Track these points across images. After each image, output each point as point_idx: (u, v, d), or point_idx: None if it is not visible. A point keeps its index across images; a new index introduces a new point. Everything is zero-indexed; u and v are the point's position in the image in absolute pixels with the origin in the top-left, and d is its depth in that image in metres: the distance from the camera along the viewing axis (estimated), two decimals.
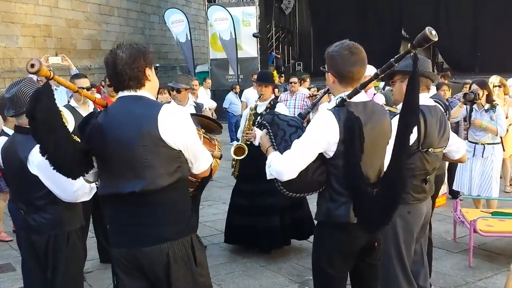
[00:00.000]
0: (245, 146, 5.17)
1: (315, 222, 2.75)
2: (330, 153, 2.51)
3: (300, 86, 9.83)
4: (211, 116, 5.90)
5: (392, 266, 3.17)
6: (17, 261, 4.24)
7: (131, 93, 2.42)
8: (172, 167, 2.40)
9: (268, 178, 2.61)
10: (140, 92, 2.43)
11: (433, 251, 4.54)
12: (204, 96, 9.43)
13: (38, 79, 6.63)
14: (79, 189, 3.04)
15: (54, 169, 2.38)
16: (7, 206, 4.37)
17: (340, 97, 2.54)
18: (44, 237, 3.07)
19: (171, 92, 5.84)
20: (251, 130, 5.20)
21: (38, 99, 2.27)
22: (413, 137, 2.98)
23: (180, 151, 2.41)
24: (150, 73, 2.46)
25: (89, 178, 2.58)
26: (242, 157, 5.16)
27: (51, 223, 3.07)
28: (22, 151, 2.98)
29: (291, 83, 8.34)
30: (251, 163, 5.16)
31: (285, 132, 2.70)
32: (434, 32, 2.17)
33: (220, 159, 3.51)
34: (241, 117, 6.00)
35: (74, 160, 2.35)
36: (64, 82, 2.51)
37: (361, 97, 2.58)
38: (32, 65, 2.23)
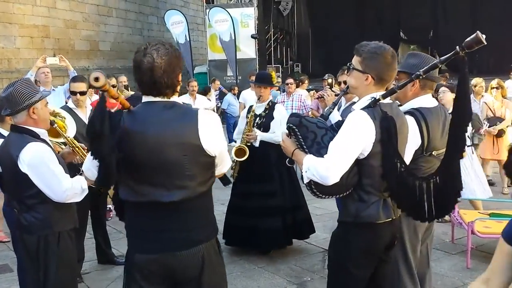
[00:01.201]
0: (246, 147, 5.16)
1: (336, 223, 2.75)
2: (365, 153, 2.51)
3: (298, 87, 9.84)
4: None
5: (397, 267, 3.16)
6: (14, 262, 4.22)
7: (164, 99, 2.34)
8: (209, 174, 2.40)
9: (305, 182, 2.58)
10: (172, 98, 2.37)
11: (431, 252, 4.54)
12: (201, 99, 9.44)
13: (37, 79, 6.65)
14: (68, 190, 3.04)
15: (103, 180, 2.32)
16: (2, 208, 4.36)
17: (373, 98, 2.55)
18: (34, 237, 3.08)
19: None
20: (251, 132, 5.20)
21: (106, 119, 2.21)
22: (417, 144, 3.00)
23: (215, 156, 2.40)
24: (180, 77, 2.40)
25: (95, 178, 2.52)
26: (244, 158, 5.15)
27: (41, 223, 3.07)
28: (14, 150, 3.01)
29: (287, 84, 8.35)
30: (249, 164, 5.17)
31: (315, 134, 2.66)
32: (484, 36, 2.20)
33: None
34: (239, 118, 5.98)
35: (116, 170, 2.29)
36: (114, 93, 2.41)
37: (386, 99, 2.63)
38: (97, 79, 2.17)
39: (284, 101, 8.08)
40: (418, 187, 2.54)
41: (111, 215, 6.73)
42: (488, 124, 7.62)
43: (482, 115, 7.80)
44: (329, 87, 4.86)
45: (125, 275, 2.47)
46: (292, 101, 8.14)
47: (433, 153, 3.15)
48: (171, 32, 18.84)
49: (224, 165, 2.53)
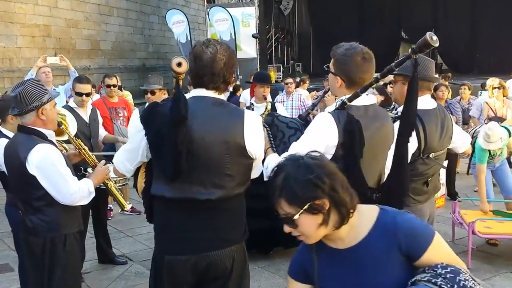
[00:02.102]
0: None
1: None
2: (328, 156, 2.49)
3: (299, 87, 9.82)
4: None
5: None
6: (15, 261, 4.23)
7: (215, 95, 2.34)
8: (247, 175, 2.40)
9: (265, 179, 2.59)
10: (221, 96, 2.37)
11: None
12: None
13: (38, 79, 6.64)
14: (76, 193, 3.01)
15: (175, 170, 2.23)
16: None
17: (341, 100, 2.52)
18: (40, 239, 3.04)
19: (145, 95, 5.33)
20: None
21: (187, 105, 2.20)
22: (413, 147, 2.97)
23: (254, 159, 2.40)
24: None
25: (127, 173, 2.51)
26: None
27: (48, 226, 3.04)
28: (22, 151, 2.96)
29: (287, 84, 8.31)
30: None
31: (284, 134, 2.69)
32: (435, 38, 2.15)
33: None
34: None
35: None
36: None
37: (362, 100, 2.56)
38: (179, 64, 2.18)
39: (283, 101, 8.06)
40: (364, 196, 2.48)
41: (111, 215, 6.73)
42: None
43: (483, 115, 7.78)
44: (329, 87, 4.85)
45: (153, 274, 2.44)
46: (292, 100, 8.12)
47: (431, 155, 3.14)
48: (172, 32, 18.82)
49: (257, 169, 2.52)
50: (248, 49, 18.42)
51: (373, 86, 4.01)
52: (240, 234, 2.45)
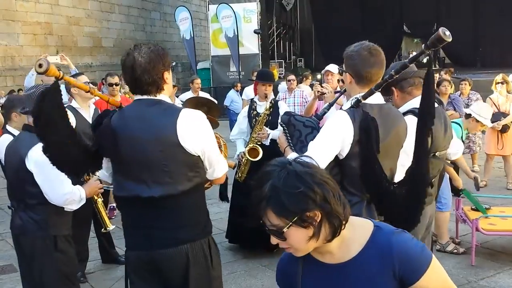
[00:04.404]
0: (259, 147, 5.09)
1: None
2: (343, 154, 2.50)
3: (301, 83, 9.77)
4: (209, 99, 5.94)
5: None
6: None
7: (150, 97, 2.40)
8: (191, 172, 2.40)
9: None
10: (159, 96, 2.41)
11: (435, 250, 4.53)
12: (204, 95, 9.46)
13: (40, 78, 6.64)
14: (69, 194, 3.08)
15: (55, 167, 2.38)
16: None
17: (356, 98, 2.53)
18: (29, 238, 3.11)
19: None
20: (262, 130, 5.15)
21: (44, 98, 2.27)
22: None
23: (199, 156, 2.40)
24: (168, 76, 2.44)
25: (107, 179, 2.62)
26: (258, 158, 5.06)
27: (36, 224, 3.10)
28: (24, 147, 3.05)
29: (289, 80, 8.25)
30: (259, 163, 5.13)
31: (301, 133, 2.69)
32: (448, 33, 2.15)
33: (234, 168, 3.48)
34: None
35: (77, 159, 2.36)
36: (74, 82, 2.51)
37: (377, 99, 2.58)
38: (40, 65, 2.21)
39: (285, 98, 8.01)
40: (387, 190, 2.47)
41: (114, 214, 6.73)
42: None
43: None
44: (319, 83, 4.86)
45: (125, 270, 2.56)
46: (294, 97, 8.07)
47: (436, 153, 3.13)
48: (179, 29, 18.81)
49: (216, 169, 2.50)
50: (250, 45, 18.39)
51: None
52: (195, 232, 2.43)
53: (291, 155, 2.60)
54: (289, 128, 2.73)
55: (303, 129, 2.69)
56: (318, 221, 1.51)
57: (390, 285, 1.56)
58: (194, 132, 2.35)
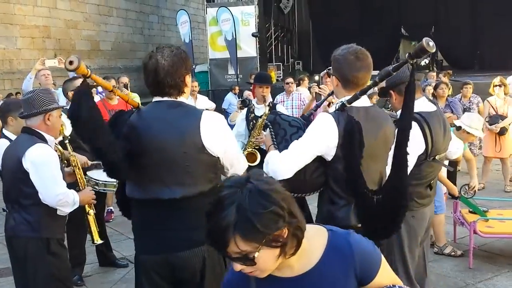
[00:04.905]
0: (257, 152, 5.06)
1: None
2: (329, 157, 2.50)
3: (299, 86, 9.78)
4: None
5: (395, 270, 3.15)
6: None
7: (170, 98, 2.42)
8: (212, 173, 2.43)
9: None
10: (180, 98, 2.44)
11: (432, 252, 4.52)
12: (202, 98, 9.45)
13: (38, 82, 6.64)
14: (62, 195, 3.08)
15: (106, 169, 2.37)
16: None
17: (341, 102, 2.53)
18: (21, 240, 3.11)
19: None
20: (260, 135, 5.11)
21: (80, 100, 2.26)
22: (421, 149, 2.96)
23: (219, 158, 2.43)
24: (189, 79, 2.46)
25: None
26: (256, 163, 4.99)
27: (29, 226, 3.10)
28: (22, 147, 3.08)
29: (287, 83, 8.26)
30: (257, 167, 5.11)
31: (286, 131, 2.72)
32: (431, 43, 2.16)
33: None
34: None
35: (120, 159, 2.34)
36: (100, 81, 2.49)
37: (363, 102, 2.57)
38: (71, 62, 2.22)
39: (283, 101, 8.01)
40: (365, 197, 2.46)
41: (112, 217, 6.72)
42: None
43: (484, 113, 7.76)
44: (316, 84, 4.87)
45: (135, 274, 2.56)
46: (292, 100, 8.08)
47: (436, 157, 3.13)
48: (179, 32, 18.78)
49: (236, 169, 2.53)
50: (248, 48, 18.37)
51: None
52: None
53: (271, 153, 2.62)
54: (274, 126, 2.75)
55: (288, 128, 2.73)
56: (285, 237, 1.43)
57: (353, 286, 1.56)
58: (217, 134, 2.40)
